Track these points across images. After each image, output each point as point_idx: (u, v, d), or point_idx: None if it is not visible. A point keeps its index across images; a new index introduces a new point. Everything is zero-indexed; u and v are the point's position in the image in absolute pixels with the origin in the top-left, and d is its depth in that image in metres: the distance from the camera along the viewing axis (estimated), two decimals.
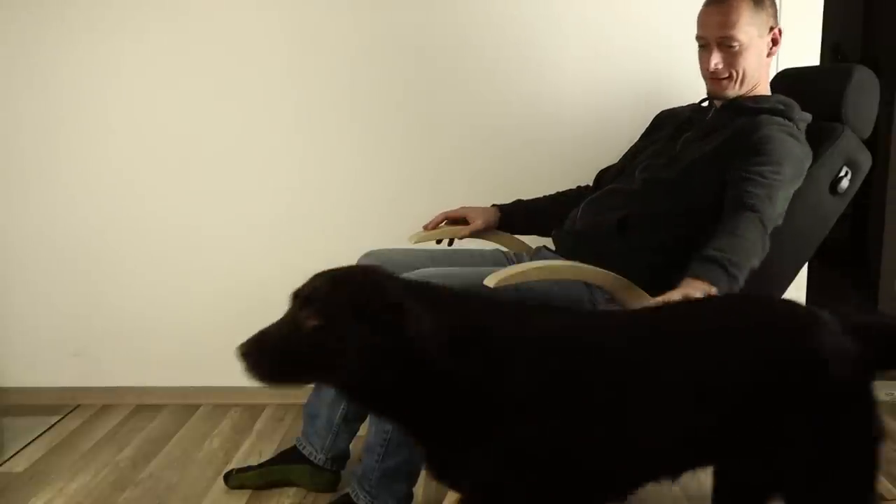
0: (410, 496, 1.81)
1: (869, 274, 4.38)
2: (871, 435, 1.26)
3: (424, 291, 1.22)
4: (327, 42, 2.56)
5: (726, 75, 1.83)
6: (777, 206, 1.68)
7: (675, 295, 1.50)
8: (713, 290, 1.51)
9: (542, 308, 1.31)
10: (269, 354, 1.14)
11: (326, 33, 2.55)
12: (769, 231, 1.66)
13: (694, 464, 1.37)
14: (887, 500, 1.98)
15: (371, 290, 1.17)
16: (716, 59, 1.82)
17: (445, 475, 1.30)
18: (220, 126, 2.60)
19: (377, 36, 2.56)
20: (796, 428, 1.24)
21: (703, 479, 2.11)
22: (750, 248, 1.61)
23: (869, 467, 1.27)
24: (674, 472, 1.35)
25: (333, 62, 2.56)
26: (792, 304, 1.40)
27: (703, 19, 1.84)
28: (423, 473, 1.75)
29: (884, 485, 1.98)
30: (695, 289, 1.51)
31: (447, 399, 1.18)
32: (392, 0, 2.53)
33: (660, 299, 1.48)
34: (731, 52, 1.80)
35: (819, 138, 1.82)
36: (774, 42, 1.84)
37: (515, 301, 1.33)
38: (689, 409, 1.25)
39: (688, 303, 1.44)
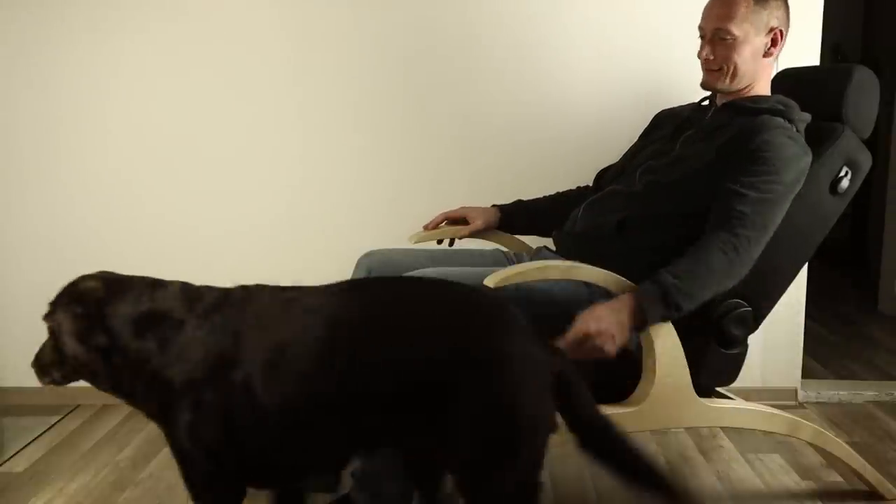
0: (411, 497, 1.81)
1: (869, 274, 4.38)
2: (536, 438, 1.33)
3: (128, 283, 1.37)
4: (328, 42, 2.56)
5: (717, 67, 1.85)
6: (767, 220, 1.69)
7: (590, 315, 1.59)
8: (625, 318, 1.59)
9: (226, 291, 1.39)
10: (39, 360, 1.43)
11: (327, 33, 2.55)
12: (751, 249, 1.66)
13: (365, 444, 1.42)
14: (887, 500, 1.98)
15: (68, 290, 1.37)
16: (707, 50, 1.85)
17: None
18: (220, 126, 2.60)
19: (378, 36, 2.56)
20: (462, 419, 1.29)
21: (703, 478, 2.12)
22: (708, 280, 1.64)
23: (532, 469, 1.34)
24: (347, 452, 1.41)
25: (334, 62, 2.57)
26: (486, 300, 1.42)
27: (704, 11, 1.88)
28: None
29: (884, 485, 1.98)
30: (618, 310, 1.60)
31: (142, 382, 1.34)
32: (393, 3, 2.53)
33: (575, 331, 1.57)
34: (724, 45, 1.82)
35: (819, 138, 1.82)
36: (774, 43, 1.84)
37: (204, 287, 1.41)
38: (356, 387, 1.30)
39: (383, 283, 1.49)
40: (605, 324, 1.58)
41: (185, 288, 1.38)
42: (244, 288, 1.39)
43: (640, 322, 1.62)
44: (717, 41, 1.83)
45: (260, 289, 1.39)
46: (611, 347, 1.57)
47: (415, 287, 1.45)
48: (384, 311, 1.35)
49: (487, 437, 1.31)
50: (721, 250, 1.65)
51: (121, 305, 1.33)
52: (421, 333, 1.32)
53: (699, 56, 1.87)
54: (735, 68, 1.83)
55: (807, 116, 1.84)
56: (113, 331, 1.32)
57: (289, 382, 1.30)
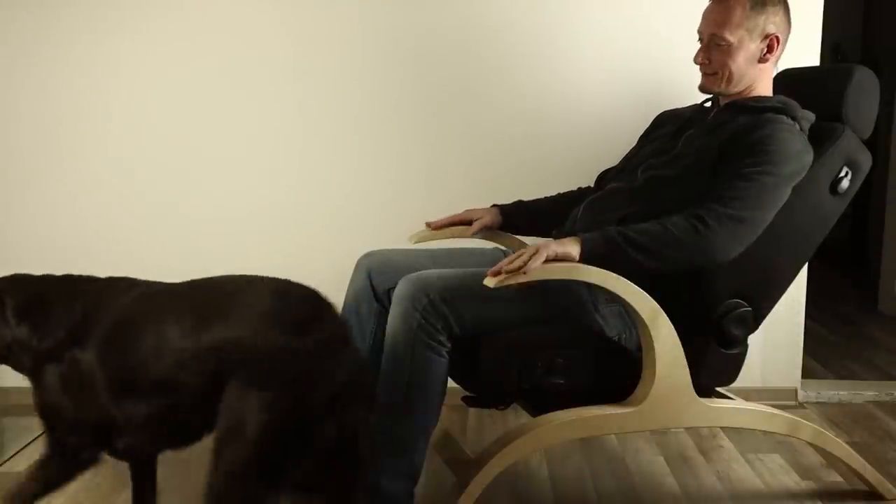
0: (411, 496, 1.81)
1: (869, 274, 4.39)
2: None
3: (25, 281, 1.57)
4: (329, 43, 2.56)
5: (712, 72, 1.86)
6: (749, 205, 1.67)
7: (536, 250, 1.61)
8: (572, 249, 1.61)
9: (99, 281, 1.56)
10: None
11: (328, 34, 2.55)
12: (725, 227, 1.64)
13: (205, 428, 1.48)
14: (887, 500, 1.98)
15: None
16: (702, 55, 1.87)
17: None
18: (220, 127, 2.60)
19: (377, 37, 2.56)
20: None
21: (703, 478, 2.12)
22: (662, 237, 1.63)
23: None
24: (188, 433, 1.50)
25: (335, 63, 2.57)
26: (286, 300, 1.42)
27: (703, 15, 1.88)
28: (423, 473, 1.76)
29: (884, 485, 1.98)
30: (562, 247, 1.61)
31: (30, 359, 1.54)
32: (393, 1, 2.54)
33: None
34: (719, 50, 1.83)
35: (819, 138, 1.82)
36: (770, 48, 1.84)
37: (83, 278, 1.58)
38: (162, 375, 1.40)
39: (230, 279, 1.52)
40: (551, 247, 1.62)
41: (64, 278, 1.57)
42: (111, 278, 1.56)
43: (581, 242, 1.63)
44: (712, 46, 1.84)
45: (123, 280, 1.54)
46: (544, 253, 1.60)
47: (222, 284, 1.49)
48: (189, 304, 1.44)
49: (233, 436, 1.37)
50: (685, 219, 1.65)
51: (12, 301, 1.53)
52: (210, 327, 1.38)
53: (695, 61, 1.88)
54: (730, 74, 1.84)
55: (811, 115, 1.84)
56: (10, 323, 1.52)
57: (116, 361, 1.44)
